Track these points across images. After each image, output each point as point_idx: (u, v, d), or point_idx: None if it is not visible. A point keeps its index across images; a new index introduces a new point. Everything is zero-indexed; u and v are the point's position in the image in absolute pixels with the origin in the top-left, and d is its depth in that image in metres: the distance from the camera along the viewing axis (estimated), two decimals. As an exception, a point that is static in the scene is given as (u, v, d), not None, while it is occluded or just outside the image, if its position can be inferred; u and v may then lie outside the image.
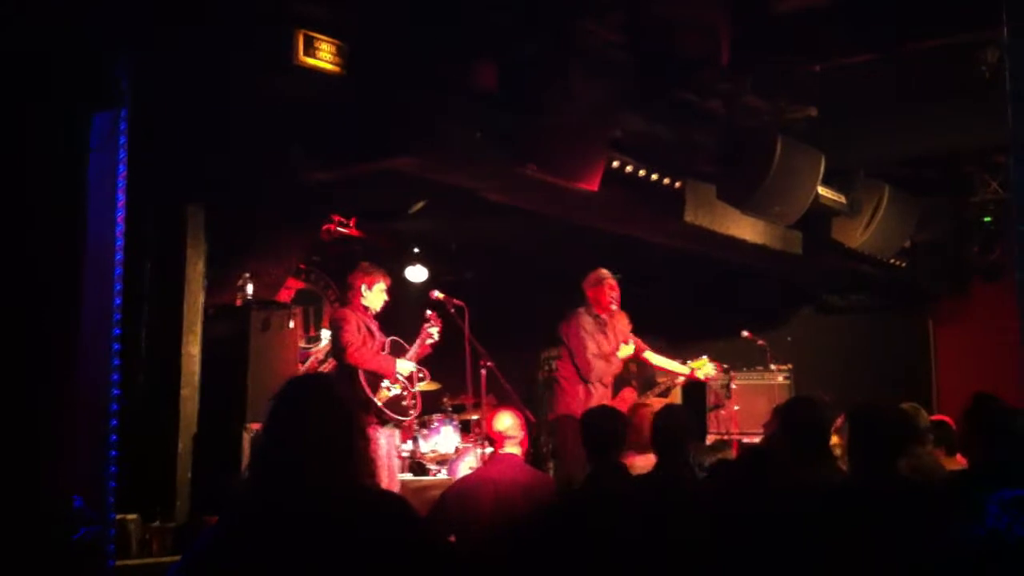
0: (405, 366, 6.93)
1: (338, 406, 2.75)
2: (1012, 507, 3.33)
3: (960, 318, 10.42)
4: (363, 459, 2.73)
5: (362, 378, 6.70)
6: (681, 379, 8.21)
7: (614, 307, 7.58)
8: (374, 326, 6.95)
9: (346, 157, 6.32)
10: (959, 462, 5.36)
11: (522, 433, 5.42)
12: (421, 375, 7.14)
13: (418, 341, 7.12)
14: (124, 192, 4.79)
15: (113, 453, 4.86)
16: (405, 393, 6.92)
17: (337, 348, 6.81)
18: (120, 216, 4.81)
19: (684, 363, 8.10)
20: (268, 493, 2.61)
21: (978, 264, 9.93)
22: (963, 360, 10.04)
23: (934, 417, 5.93)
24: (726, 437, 9.37)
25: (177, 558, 5.73)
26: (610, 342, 7.57)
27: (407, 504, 2.76)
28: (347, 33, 5.72)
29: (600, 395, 7.38)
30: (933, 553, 3.41)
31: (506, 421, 5.41)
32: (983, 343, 9.71)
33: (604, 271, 7.67)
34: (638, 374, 8.48)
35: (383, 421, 6.75)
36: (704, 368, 8.12)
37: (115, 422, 4.88)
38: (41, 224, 4.33)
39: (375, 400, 6.69)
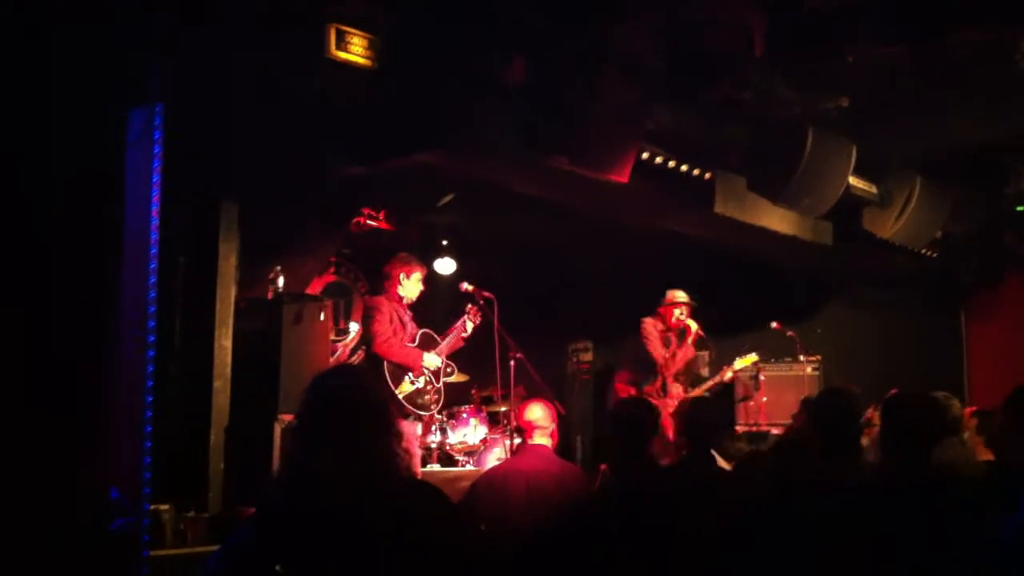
0: (432, 360, 6.95)
1: (372, 397, 2.77)
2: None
3: (993, 311, 10.32)
4: (398, 449, 2.74)
5: (386, 370, 6.73)
6: (729, 375, 8.55)
7: (685, 325, 8.50)
8: (407, 316, 6.99)
9: (378, 152, 6.34)
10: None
11: (552, 424, 5.43)
12: (449, 369, 7.16)
13: (452, 333, 7.15)
14: (159, 187, 4.83)
15: (148, 444, 4.91)
16: (428, 387, 6.95)
17: (365, 336, 6.86)
18: (155, 210, 4.85)
19: (732, 362, 8.85)
20: (306, 485, 2.63)
21: (1012, 256, 9.85)
22: (996, 353, 9.95)
23: (970, 409, 5.89)
24: (755, 428, 9.38)
25: (211, 548, 5.79)
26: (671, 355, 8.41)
27: (443, 494, 2.78)
28: (380, 27, 5.73)
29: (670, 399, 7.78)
30: (965, 547, 3.40)
31: (536, 412, 5.43)
32: (1016, 336, 9.64)
33: (678, 293, 8.62)
34: (685, 370, 8.62)
35: (403, 415, 6.78)
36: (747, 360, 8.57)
37: (150, 414, 4.92)
38: (80, 218, 4.38)
39: (396, 393, 6.72)
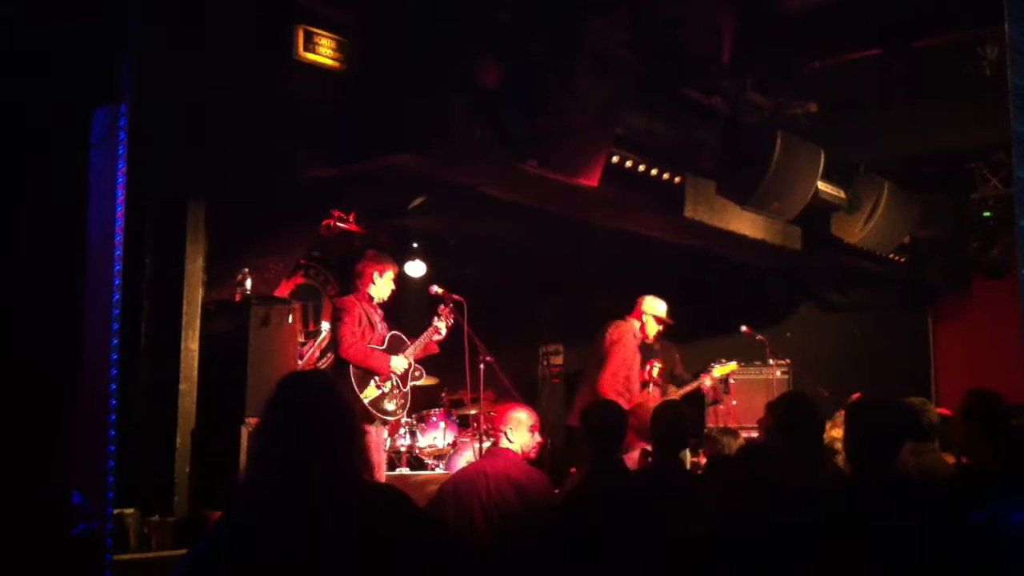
0: (399, 363, 6.84)
1: (337, 401, 2.76)
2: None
3: (960, 314, 10.43)
4: (362, 454, 2.74)
5: (351, 374, 6.66)
6: (708, 383, 8.51)
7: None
8: (377, 317, 6.88)
9: (349, 153, 6.31)
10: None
11: (506, 427, 5.41)
12: (417, 373, 7.08)
13: (423, 337, 7.07)
14: (124, 187, 4.77)
15: (112, 448, 4.85)
16: (395, 392, 6.85)
17: (333, 339, 6.78)
18: (120, 211, 4.80)
19: (710, 370, 8.76)
20: (272, 488, 2.61)
21: (978, 261, 9.94)
22: (963, 356, 10.05)
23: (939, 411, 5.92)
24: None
25: (176, 553, 5.75)
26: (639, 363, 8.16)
27: (407, 496, 2.78)
28: (350, 29, 5.71)
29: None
30: (932, 551, 3.41)
31: (511, 415, 5.45)
32: (983, 339, 9.72)
33: (664, 311, 8.24)
34: (666, 369, 8.61)
35: (368, 419, 6.69)
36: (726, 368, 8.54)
37: (114, 417, 4.86)
38: (42, 219, 4.32)
39: (360, 398, 6.62)
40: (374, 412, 6.70)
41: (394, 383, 6.84)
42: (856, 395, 5.11)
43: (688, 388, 8.60)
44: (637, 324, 8.25)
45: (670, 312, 8.44)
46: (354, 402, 6.48)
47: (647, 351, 8.48)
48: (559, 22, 5.91)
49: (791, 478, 4.11)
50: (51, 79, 4.29)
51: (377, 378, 6.75)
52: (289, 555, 2.50)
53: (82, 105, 4.52)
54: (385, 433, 7.12)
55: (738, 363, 9.04)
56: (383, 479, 6.86)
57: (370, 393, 6.70)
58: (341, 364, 6.69)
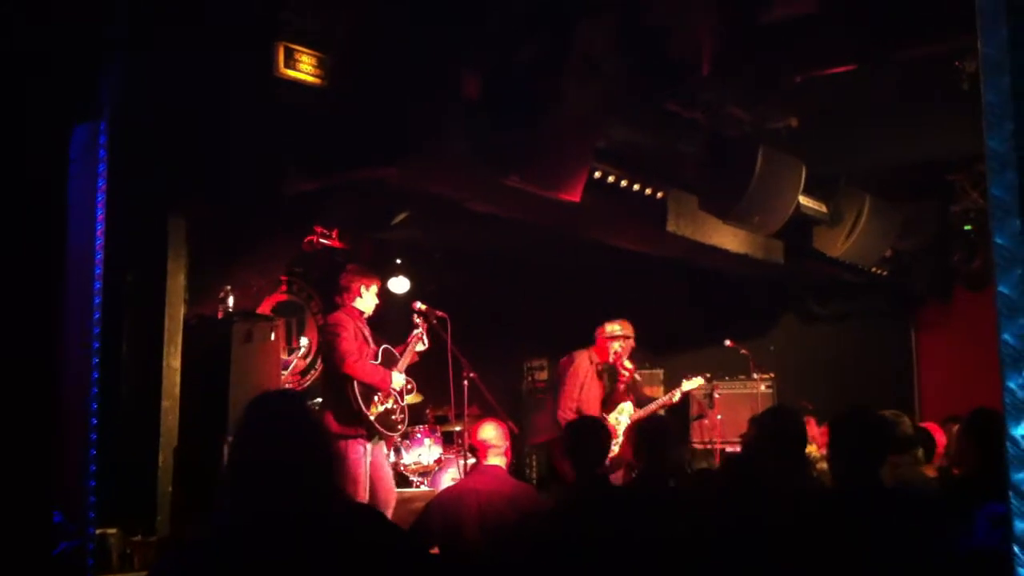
0: (399, 380, 6.82)
1: (309, 420, 2.76)
2: (1003, 523, 3.31)
3: (942, 325, 10.48)
4: (339, 472, 2.73)
5: (356, 390, 6.58)
6: (677, 398, 8.39)
7: (618, 362, 7.90)
8: (367, 332, 6.85)
9: (331, 167, 6.30)
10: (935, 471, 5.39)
11: (506, 444, 5.40)
12: (409, 387, 7.04)
13: (409, 347, 7.04)
14: (104, 204, 4.76)
15: (93, 467, 4.81)
16: (395, 407, 6.81)
17: (334, 356, 6.67)
18: (100, 228, 4.78)
19: (678, 386, 8.41)
20: (249, 506, 2.59)
21: (960, 272, 9.99)
22: (945, 367, 10.09)
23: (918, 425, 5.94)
24: (709, 446, 9.40)
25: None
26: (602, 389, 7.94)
27: (383, 515, 2.77)
28: (331, 44, 5.70)
29: None
30: (920, 564, 3.41)
31: (490, 431, 5.40)
32: (965, 350, 9.75)
33: (617, 328, 7.91)
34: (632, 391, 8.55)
35: (371, 435, 6.68)
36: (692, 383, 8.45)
37: (95, 435, 4.83)
38: (22, 235, 4.30)
39: (367, 414, 6.60)
40: (379, 428, 6.65)
41: (395, 398, 6.81)
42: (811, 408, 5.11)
43: (654, 407, 8.42)
44: (593, 353, 7.99)
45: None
46: (360, 418, 6.52)
47: (612, 375, 8.17)
48: (541, 35, 5.92)
49: (777, 488, 4.12)
50: (31, 95, 4.28)
51: (379, 394, 6.70)
52: (267, 566, 2.49)
53: (63, 121, 4.51)
54: (386, 448, 7.06)
55: (705, 378, 8.99)
56: (393, 492, 6.82)
57: (374, 410, 6.65)
58: (342, 380, 6.60)
